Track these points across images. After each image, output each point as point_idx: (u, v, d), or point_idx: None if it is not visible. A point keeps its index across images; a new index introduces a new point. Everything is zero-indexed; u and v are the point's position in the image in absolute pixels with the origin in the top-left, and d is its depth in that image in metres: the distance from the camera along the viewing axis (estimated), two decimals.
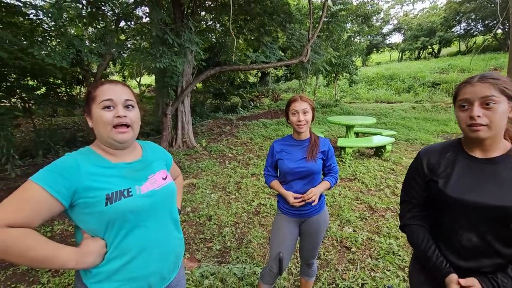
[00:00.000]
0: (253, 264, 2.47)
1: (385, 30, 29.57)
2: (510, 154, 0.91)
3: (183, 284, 1.17)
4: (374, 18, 13.99)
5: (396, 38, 57.27)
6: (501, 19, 4.87)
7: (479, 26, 21.74)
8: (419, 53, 26.34)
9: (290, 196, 1.62)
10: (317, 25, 7.36)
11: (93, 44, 6.44)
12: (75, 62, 6.46)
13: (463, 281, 0.92)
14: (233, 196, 3.95)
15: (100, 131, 0.91)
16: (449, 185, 0.96)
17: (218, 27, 8.89)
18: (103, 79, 1.03)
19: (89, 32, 8.49)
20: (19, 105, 5.72)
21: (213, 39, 9.62)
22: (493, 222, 0.89)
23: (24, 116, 5.88)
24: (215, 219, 3.30)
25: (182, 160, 5.48)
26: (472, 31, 22.44)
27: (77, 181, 0.83)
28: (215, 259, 2.58)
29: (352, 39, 12.03)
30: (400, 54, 27.99)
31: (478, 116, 0.87)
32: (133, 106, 0.96)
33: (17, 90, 5.50)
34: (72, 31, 7.99)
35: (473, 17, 21.22)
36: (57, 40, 4.93)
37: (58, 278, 2.29)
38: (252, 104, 11.66)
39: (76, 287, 0.93)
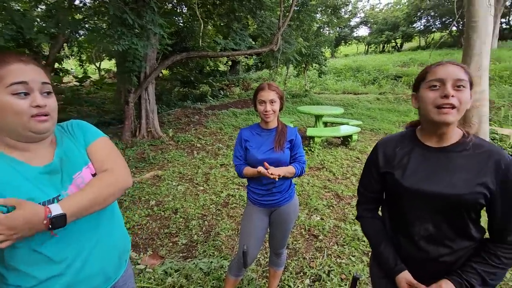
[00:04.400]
0: (221, 257, 2.40)
1: (352, 23, 30.37)
2: (462, 142, 0.92)
3: (132, 283, 1.06)
4: (343, 10, 14.26)
5: (363, 31, 59.34)
6: (456, 17, 5.14)
7: (437, 23, 23.18)
8: (383, 46, 27.54)
9: (261, 168, 1.50)
10: (287, 13, 7.27)
11: (42, 23, 5.75)
12: (22, 42, 5.73)
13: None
14: (201, 188, 3.81)
15: (10, 122, 0.72)
16: (405, 176, 0.95)
17: (185, 10, 8.44)
18: (6, 53, 0.78)
19: (40, 9, 7.59)
20: None
21: (180, 23, 9.12)
22: (448, 211, 0.90)
23: None
24: (182, 212, 3.15)
25: (147, 151, 5.18)
26: (431, 28, 23.88)
27: None
28: (181, 254, 2.46)
29: (322, 30, 12.15)
30: (366, 47, 29.05)
31: (452, 96, 0.85)
32: (51, 92, 0.80)
33: None
34: (17, 7, 7.08)
35: (432, 14, 22.56)
36: None
37: None
38: (222, 93, 11.39)
39: None
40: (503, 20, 19.23)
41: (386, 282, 1.06)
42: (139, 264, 2.25)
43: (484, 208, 0.92)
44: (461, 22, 16.89)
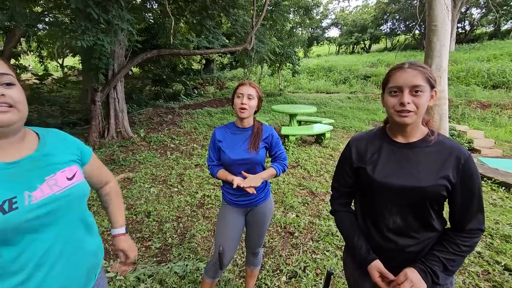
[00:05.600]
0: (197, 259, 2.34)
1: (324, 24, 31.27)
2: (426, 138, 0.99)
3: None
4: (315, 11, 14.58)
5: (334, 32, 61.11)
6: (419, 21, 5.47)
7: (401, 26, 24.55)
8: (353, 47, 28.61)
9: (238, 180, 1.50)
10: (260, 12, 7.29)
11: None
12: None
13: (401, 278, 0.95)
14: (175, 189, 3.71)
15: None
16: (376, 170, 1.00)
17: (156, 6, 8.15)
18: None
19: None
20: None
21: (150, 20, 8.80)
22: (413, 203, 0.95)
23: None
24: (155, 215, 3.04)
25: (116, 152, 4.94)
26: (396, 30, 25.24)
27: None
28: (154, 259, 2.38)
29: (295, 30, 12.34)
30: (337, 48, 30.01)
31: (408, 103, 0.92)
32: (13, 84, 0.74)
33: None
34: None
35: (397, 17, 23.84)
36: None
37: None
38: (196, 92, 11.16)
39: None
40: (459, 25, 20.81)
41: (359, 273, 1.10)
42: (108, 272, 2.14)
43: (447, 200, 0.98)
44: (423, 26, 18.01)
